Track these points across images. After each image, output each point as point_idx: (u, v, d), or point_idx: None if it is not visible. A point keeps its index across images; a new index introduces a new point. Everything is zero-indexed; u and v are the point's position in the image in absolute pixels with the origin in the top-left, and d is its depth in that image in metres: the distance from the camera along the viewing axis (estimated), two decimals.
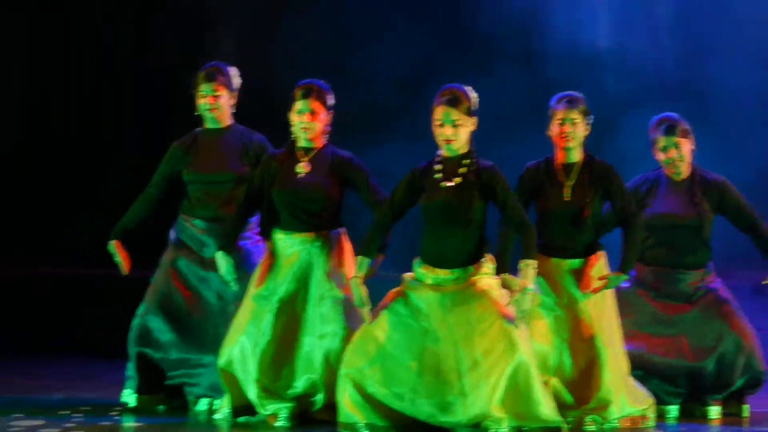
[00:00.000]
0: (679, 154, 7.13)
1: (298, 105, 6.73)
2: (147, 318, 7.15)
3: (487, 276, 6.40)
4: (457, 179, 6.38)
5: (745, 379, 7.12)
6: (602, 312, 6.66)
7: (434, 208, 6.38)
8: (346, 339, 6.58)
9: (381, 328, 6.35)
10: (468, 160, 6.40)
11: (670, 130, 7.12)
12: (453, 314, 6.32)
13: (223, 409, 6.83)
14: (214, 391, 7.03)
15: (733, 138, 9.48)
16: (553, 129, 6.75)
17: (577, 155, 6.76)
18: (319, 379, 6.63)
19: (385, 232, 6.54)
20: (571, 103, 6.71)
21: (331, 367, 6.60)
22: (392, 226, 6.54)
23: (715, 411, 7.08)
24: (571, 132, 6.69)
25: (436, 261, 6.39)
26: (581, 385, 6.60)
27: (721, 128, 9.31)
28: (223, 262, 6.80)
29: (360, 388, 6.32)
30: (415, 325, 6.35)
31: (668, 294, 7.17)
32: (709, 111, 9.33)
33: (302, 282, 6.71)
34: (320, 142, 6.81)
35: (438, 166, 6.43)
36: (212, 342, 7.02)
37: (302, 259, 6.72)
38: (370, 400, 6.32)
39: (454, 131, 6.35)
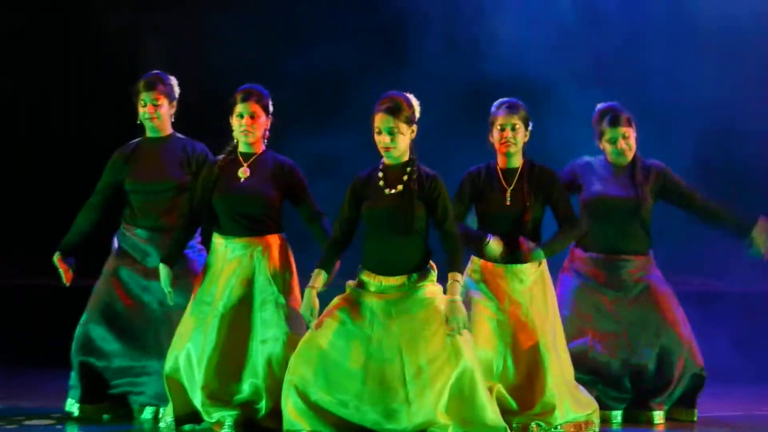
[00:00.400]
0: (627, 144, 7.20)
1: (239, 108, 6.76)
2: (89, 327, 7.12)
3: (430, 283, 6.41)
4: (400, 187, 6.38)
5: (689, 379, 7.17)
6: (545, 316, 6.71)
7: (377, 216, 6.39)
8: (288, 344, 6.59)
9: (325, 336, 6.33)
10: (410, 168, 6.41)
11: (616, 121, 7.19)
12: (397, 321, 6.33)
13: (166, 417, 6.80)
14: (159, 400, 7.01)
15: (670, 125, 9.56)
16: (494, 135, 6.79)
17: (517, 161, 6.80)
18: (262, 384, 6.63)
19: (341, 249, 6.54)
20: (512, 108, 6.75)
21: (273, 372, 6.61)
22: (348, 242, 6.53)
23: (658, 415, 7.14)
24: (511, 138, 6.73)
25: (379, 268, 6.40)
26: (525, 391, 6.63)
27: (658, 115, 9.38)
28: (163, 273, 6.79)
29: (304, 396, 6.29)
30: (359, 333, 6.34)
31: (610, 283, 7.20)
32: (647, 98, 9.39)
33: (245, 287, 6.71)
34: (260, 147, 6.82)
35: (381, 174, 6.44)
36: (156, 350, 7.01)
37: (244, 264, 6.71)
38: (314, 408, 6.30)
39: (393, 139, 6.35)
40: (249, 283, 6.71)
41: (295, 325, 6.66)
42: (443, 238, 6.40)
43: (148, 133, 7.25)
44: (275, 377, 6.58)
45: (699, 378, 7.19)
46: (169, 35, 10.13)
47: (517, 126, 6.74)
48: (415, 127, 6.42)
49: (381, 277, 6.39)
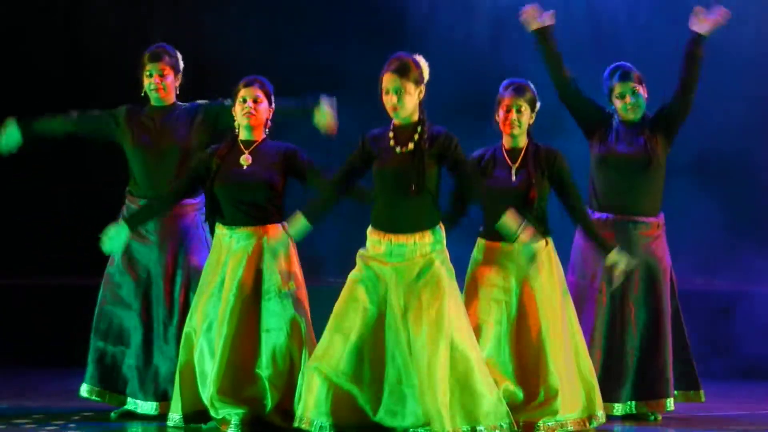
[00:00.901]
0: (636, 100, 7.20)
1: (242, 93, 6.79)
2: (106, 309, 7.14)
3: (439, 247, 6.41)
4: (411, 145, 6.39)
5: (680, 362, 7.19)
6: (550, 299, 6.68)
7: (388, 174, 6.39)
8: (292, 334, 6.61)
9: (349, 321, 6.34)
10: (420, 128, 6.42)
11: (626, 76, 7.20)
12: (403, 297, 6.32)
13: (173, 415, 6.76)
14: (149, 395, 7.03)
15: None
16: (500, 115, 6.81)
17: (522, 141, 6.83)
18: (266, 375, 6.61)
19: (334, 195, 6.53)
20: (518, 90, 6.78)
21: (277, 363, 6.61)
22: (344, 190, 6.53)
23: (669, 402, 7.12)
24: (515, 119, 6.77)
25: (388, 227, 6.40)
26: (530, 377, 6.61)
27: None
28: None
29: (329, 384, 6.30)
30: (375, 314, 6.35)
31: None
32: None
33: (252, 277, 6.69)
34: (261, 135, 6.84)
35: (391, 133, 6.45)
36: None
37: (249, 254, 6.69)
38: (338, 396, 6.31)
39: (400, 98, 6.37)
40: (255, 273, 6.70)
41: (299, 315, 6.65)
42: (461, 182, 6.48)
43: (153, 102, 7.25)
44: (278, 368, 6.59)
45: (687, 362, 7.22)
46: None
47: (523, 108, 6.77)
48: (423, 87, 6.44)
49: (390, 235, 6.39)
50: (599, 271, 7.12)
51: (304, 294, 6.75)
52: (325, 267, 9.70)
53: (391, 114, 6.42)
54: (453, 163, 6.42)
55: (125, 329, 7.12)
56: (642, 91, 7.23)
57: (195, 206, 7.14)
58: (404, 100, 6.37)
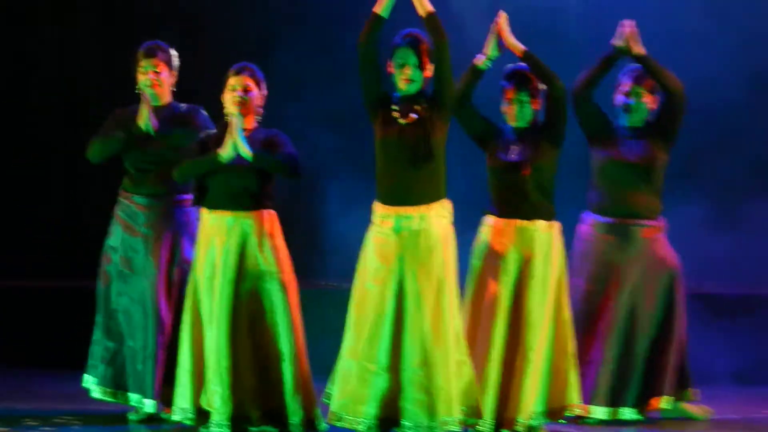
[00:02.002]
0: (636, 103, 7.19)
1: (232, 81, 6.77)
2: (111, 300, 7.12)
3: (446, 221, 6.42)
4: (413, 116, 6.42)
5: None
6: (542, 294, 6.62)
7: (392, 143, 6.40)
8: (275, 319, 6.60)
9: (372, 303, 6.34)
10: (423, 98, 6.47)
11: (637, 78, 7.18)
12: (412, 279, 6.32)
13: (182, 405, 6.69)
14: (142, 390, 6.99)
15: None
16: (504, 106, 6.79)
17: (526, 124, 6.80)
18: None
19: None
20: (521, 83, 6.74)
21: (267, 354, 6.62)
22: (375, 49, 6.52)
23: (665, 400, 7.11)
24: (518, 112, 6.76)
25: (395, 198, 6.39)
26: (507, 394, 6.58)
27: None
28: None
29: (369, 377, 6.30)
30: (391, 303, 6.34)
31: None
32: None
33: (242, 263, 6.64)
34: (251, 123, 6.80)
35: (395, 106, 6.47)
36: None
37: (239, 240, 6.64)
38: (376, 388, 6.31)
39: (415, 72, 6.43)
40: (245, 259, 6.65)
41: (289, 298, 6.65)
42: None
43: (148, 97, 7.17)
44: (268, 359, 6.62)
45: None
46: None
47: (525, 100, 6.73)
48: (433, 65, 6.48)
49: (398, 208, 6.38)
50: (608, 274, 7.12)
51: (293, 278, 6.73)
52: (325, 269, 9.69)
53: (404, 86, 6.46)
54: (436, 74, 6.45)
55: (130, 326, 7.06)
56: (647, 99, 7.20)
57: (190, 201, 7.07)
58: (419, 73, 6.43)
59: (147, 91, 7.14)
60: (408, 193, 6.38)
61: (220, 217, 6.68)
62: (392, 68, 6.48)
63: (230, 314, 6.57)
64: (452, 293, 6.37)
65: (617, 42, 7.08)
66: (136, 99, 7.15)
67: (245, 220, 6.67)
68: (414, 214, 6.37)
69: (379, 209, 6.44)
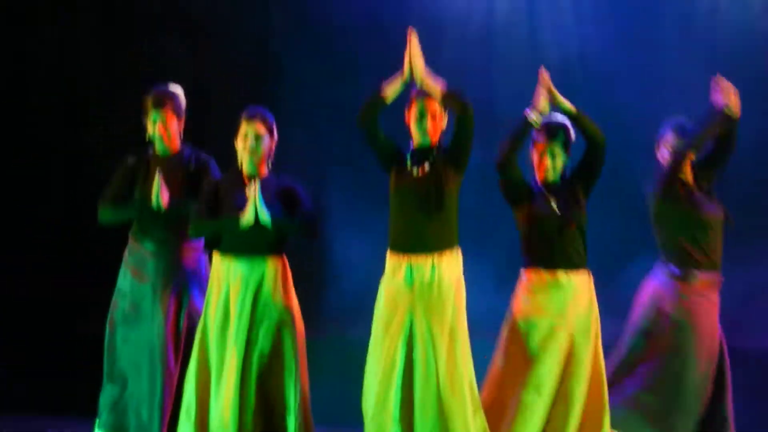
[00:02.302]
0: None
1: (244, 128, 6.75)
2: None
3: (456, 269, 6.44)
4: (427, 166, 6.44)
5: None
6: (585, 347, 6.59)
7: (405, 192, 6.43)
8: (282, 366, 6.59)
9: (389, 361, 6.36)
10: (438, 149, 6.51)
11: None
12: (425, 323, 6.33)
13: None
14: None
15: None
16: (534, 158, 6.74)
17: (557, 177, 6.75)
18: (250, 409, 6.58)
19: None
20: (551, 134, 6.68)
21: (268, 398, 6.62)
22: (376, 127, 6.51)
23: None
24: (550, 165, 6.70)
25: (408, 246, 6.41)
26: None
27: None
28: None
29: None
30: (404, 352, 6.37)
31: None
32: None
33: (254, 309, 6.64)
34: (264, 170, 6.80)
35: (408, 158, 6.50)
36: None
37: (251, 286, 6.64)
38: None
39: (435, 123, 6.48)
40: (259, 306, 6.65)
41: (299, 347, 6.66)
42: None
43: (158, 148, 7.21)
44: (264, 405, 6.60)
45: None
46: None
47: (557, 152, 6.68)
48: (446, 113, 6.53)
49: (410, 256, 6.37)
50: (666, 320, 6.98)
51: (301, 325, 6.71)
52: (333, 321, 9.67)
53: (421, 137, 6.49)
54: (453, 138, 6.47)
55: (136, 372, 7.05)
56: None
57: (200, 248, 7.13)
58: (437, 125, 6.50)
59: (157, 142, 7.13)
60: (420, 241, 6.40)
61: (235, 263, 6.67)
62: (409, 118, 6.50)
63: (241, 364, 6.55)
64: (465, 341, 6.38)
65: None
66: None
67: (260, 266, 6.66)
68: (425, 262, 6.38)
69: (391, 258, 6.46)
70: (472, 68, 9.30)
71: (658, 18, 9.25)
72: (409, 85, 6.43)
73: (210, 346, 6.65)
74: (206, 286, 6.94)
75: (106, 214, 7.17)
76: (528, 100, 6.64)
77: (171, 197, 7.01)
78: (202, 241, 7.15)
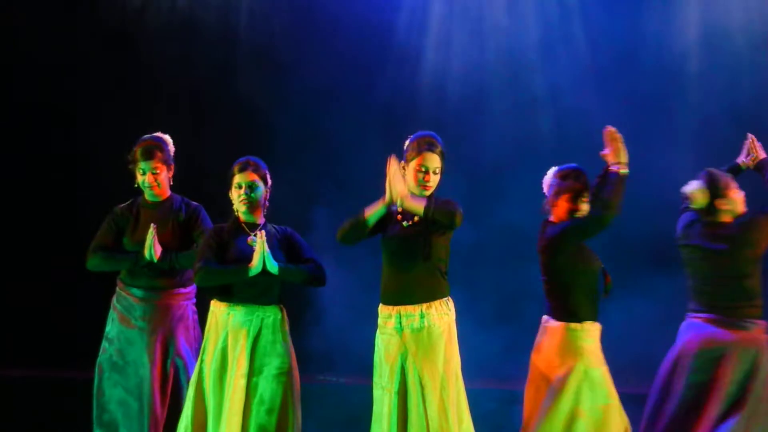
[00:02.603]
0: None
1: (237, 179, 6.73)
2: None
3: (447, 318, 6.41)
4: (416, 218, 6.41)
5: None
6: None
7: (396, 241, 6.40)
8: (280, 415, 6.55)
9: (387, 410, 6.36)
10: (428, 201, 6.41)
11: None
12: (417, 373, 6.34)
13: None
14: None
15: None
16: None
17: None
18: None
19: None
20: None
21: None
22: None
23: None
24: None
25: (397, 298, 6.40)
26: None
27: None
28: None
29: None
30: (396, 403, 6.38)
31: None
32: None
33: (252, 357, 6.62)
34: (260, 217, 6.81)
35: (399, 209, 6.46)
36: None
37: (251, 334, 6.63)
38: None
39: (434, 178, 6.45)
40: (258, 354, 6.64)
41: (293, 396, 6.63)
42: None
43: (147, 197, 7.20)
44: None
45: None
46: None
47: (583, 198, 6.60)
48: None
49: (399, 308, 6.39)
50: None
51: (297, 375, 6.71)
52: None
53: (419, 190, 6.44)
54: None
55: (126, 417, 7.03)
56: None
57: (187, 295, 7.13)
58: (437, 178, 6.46)
59: (146, 192, 7.11)
60: (409, 291, 6.38)
61: (234, 311, 6.66)
62: (409, 169, 6.44)
63: (242, 410, 6.53)
64: (455, 390, 6.34)
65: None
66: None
67: (260, 314, 6.65)
68: (415, 312, 6.39)
69: (382, 310, 6.45)
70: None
71: None
72: (391, 205, 6.38)
73: (207, 393, 6.64)
74: (193, 332, 6.99)
75: (95, 262, 7.13)
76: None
77: (163, 250, 7.02)
78: (192, 289, 7.16)
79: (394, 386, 6.33)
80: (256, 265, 6.50)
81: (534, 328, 6.48)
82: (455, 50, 9.83)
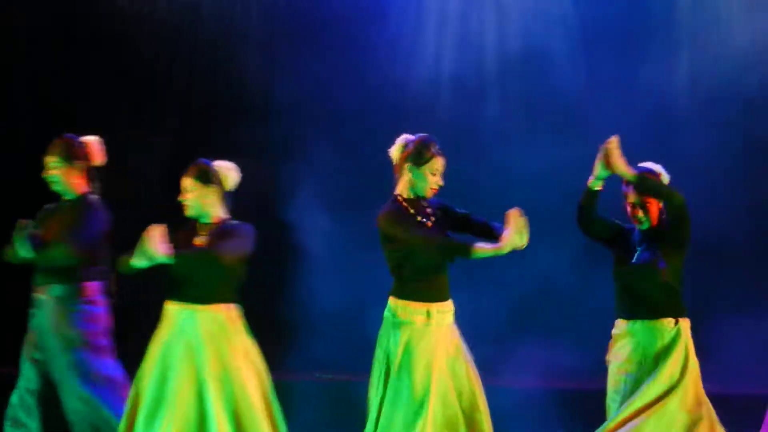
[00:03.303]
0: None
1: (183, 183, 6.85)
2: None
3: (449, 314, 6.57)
4: (432, 218, 6.55)
5: None
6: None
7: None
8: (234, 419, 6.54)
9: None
10: (426, 202, 6.61)
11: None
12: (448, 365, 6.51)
13: None
14: None
15: None
16: (628, 209, 6.73)
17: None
18: None
19: None
20: (640, 186, 6.61)
21: None
22: None
23: None
24: (642, 216, 6.70)
25: (433, 296, 6.49)
26: None
27: None
28: None
29: None
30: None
31: None
32: None
33: (198, 356, 6.63)
34: (217, 217, 6.84)
35: (411, 210, 6.56)
36: None
37: (198, 333, 6.63)
38: None
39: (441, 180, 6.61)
40: (200, 353, 6.63)
41: (253, 395, 6.64)
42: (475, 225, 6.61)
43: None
44: None
45: None
46: None
47: (648, 203, 6.66)
48: None
49: (436, 305, 6.47)
50: None
51: (261, 370, 6.75)
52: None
53: (430, 194, 6.60)
54: (457, 215, 6.66)
55: None
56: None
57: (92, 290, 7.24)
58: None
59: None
60: (443, 288, 6.56)
61: (182, 310, 6.70)
62: (418, 171, 6.56)
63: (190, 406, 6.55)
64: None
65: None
66: None
67: (203, 312, 6.66)
68: (448, 310, 6.60)
69: (410, 305, 6.48)
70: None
71: None
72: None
73: (145, 391, 6.65)
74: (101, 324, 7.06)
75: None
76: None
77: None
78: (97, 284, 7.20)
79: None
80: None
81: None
82: (455, 49, 9.84)
